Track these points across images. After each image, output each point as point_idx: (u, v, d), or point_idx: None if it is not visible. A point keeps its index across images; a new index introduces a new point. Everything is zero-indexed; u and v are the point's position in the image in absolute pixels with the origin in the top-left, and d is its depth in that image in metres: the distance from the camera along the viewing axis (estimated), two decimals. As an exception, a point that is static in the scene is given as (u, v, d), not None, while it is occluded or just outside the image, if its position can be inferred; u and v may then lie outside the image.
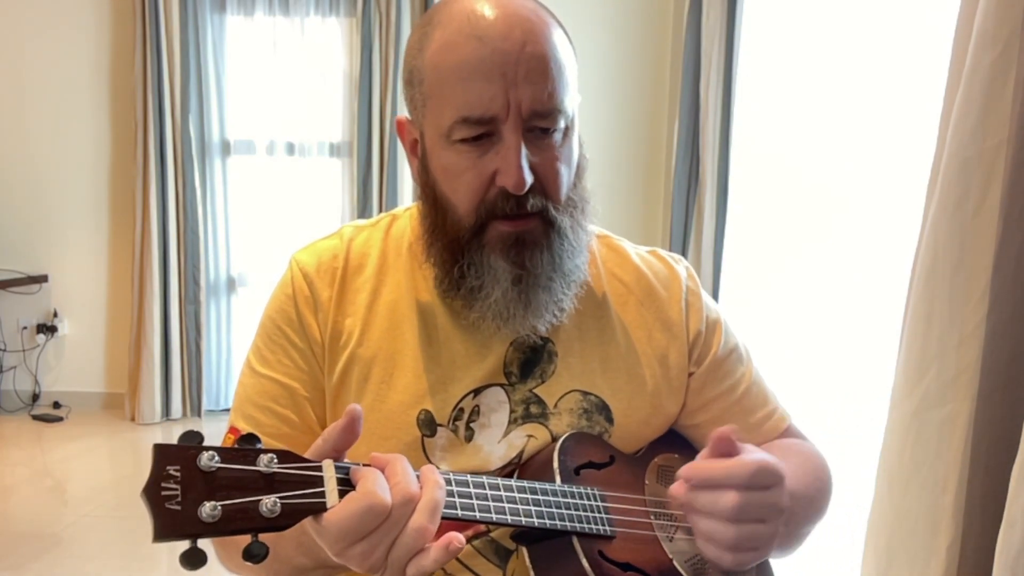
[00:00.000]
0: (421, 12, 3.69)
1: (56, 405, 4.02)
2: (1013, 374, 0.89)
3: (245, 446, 0.60)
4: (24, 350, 4.01)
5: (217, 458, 0.58)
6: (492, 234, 0.79)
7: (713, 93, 3.46)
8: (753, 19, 3.47)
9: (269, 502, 0.58)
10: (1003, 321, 0.88)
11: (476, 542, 0.82)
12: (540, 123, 0.77)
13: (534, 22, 0.76)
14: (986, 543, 0.87)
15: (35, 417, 3.88)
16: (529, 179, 0.76)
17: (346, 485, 0.62)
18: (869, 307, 3.23)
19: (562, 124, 0.79)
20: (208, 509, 0.56)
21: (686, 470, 0.74)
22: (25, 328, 4.01)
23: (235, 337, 4.02)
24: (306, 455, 0.64)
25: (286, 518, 0.59)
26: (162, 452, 0.57)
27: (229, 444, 0.86)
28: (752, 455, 0.73)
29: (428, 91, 0.78)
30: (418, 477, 0.64)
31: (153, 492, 0.56)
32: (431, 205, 0.83)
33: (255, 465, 0.59)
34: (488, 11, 0.76)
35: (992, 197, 0.87)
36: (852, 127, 3.29)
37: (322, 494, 0.61)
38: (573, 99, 0.81)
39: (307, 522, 0.61)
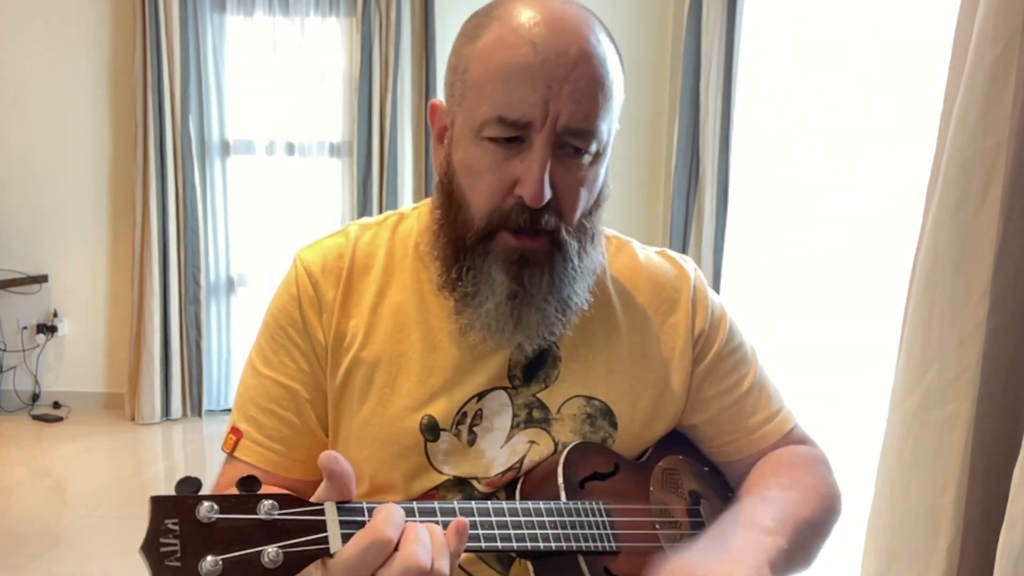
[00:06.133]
0: (421, 12, 3.69)
1: (56, 405, 4.02)
2: (1013, 374, 0.89)
3: (245, 491, 0.58)
4: (24, 350, 4.01)
5: (216, 508, 0.56)
6: (499, 244, 0.78)
7: (713, 93, 3.45)
8: (753, 19, 3.46)
9: (272, 552, 0.56)
10: (1004, 321, 0.88)
11: None
12: (573, 141, 0.76)
13: (593, 45, 0.75)
14: (986, 543, 0.87)
15: (35, 417, 3.88)
16: (547, 195, 0.75)
17: (349, 528, 0.60)
18: (869, 307, 3.23)
19: (594, 148, 0.77)
20: (209, 565, 0.54)
21: None
22: (25, 328, 4.00)
23: (235, 337, 4.02)
24: (312, 499, 0.62)
25: (289, 567, 0.57)
26: (160, 505, 0.55)
27: (232, 444, 0.85)
28: None
29: (470, 82, 0.77)
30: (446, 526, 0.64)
31: (152, 549, 0.54)
32: (446, 195, 0.82)
33: (255, 513, 0.57)
34: (550, 21, 0.74)
35: (992, 197, 0.86)
36: (852, 127, 3.29)
37: (325, 539, 0.59)
38: (612, 127, 0.79)
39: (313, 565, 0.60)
